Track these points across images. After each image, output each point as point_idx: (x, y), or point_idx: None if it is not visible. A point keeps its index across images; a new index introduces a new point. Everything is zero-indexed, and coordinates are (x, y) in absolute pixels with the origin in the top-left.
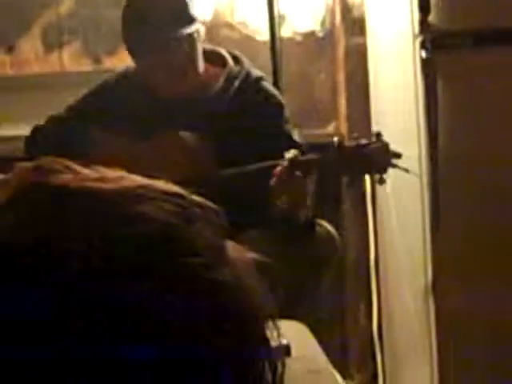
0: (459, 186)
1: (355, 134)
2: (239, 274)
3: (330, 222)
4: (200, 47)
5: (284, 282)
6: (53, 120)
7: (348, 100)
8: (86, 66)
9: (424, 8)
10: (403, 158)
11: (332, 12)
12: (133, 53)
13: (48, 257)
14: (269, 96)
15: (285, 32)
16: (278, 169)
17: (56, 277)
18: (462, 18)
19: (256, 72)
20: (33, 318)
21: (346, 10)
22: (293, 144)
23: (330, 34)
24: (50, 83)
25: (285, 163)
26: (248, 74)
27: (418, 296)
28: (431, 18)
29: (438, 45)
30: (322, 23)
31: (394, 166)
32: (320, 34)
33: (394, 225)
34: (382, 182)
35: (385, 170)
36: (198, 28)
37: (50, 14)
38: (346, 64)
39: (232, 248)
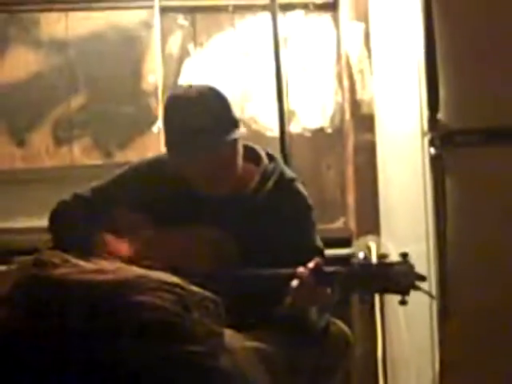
0: (467, 281)
1: (383, 253)
2: (239, 361)
3: (338, 316)
4: (241, 148)
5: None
6: (76, 198)
7: (357, 196)
8: (97, 159)
9: (433, 106)
10: (412, 252)
11: (341, 108)
12: (180, 156)
13: (49, 346)
14: (299, 198)
15: (294, 128)
16: (302, 272)
17: (57, 367)
18: (470, 116)
19: (289, 172)
20: None
21: (356, 106)
22: (315, 251)
23: (339, 131)
24: (60, 177)
25: (309, 270)
26: (282, 173)
27: None
28: (440, 115)
29: (446, 142)
30: (332, 119)
31: (418, 288)
32: (329, 130)
33: (401, 318)
34: (403, 303)
35: (407, 292)
36: (242, 132)
37: (61, 109)
38: (355, 160)
39: (231, 336)
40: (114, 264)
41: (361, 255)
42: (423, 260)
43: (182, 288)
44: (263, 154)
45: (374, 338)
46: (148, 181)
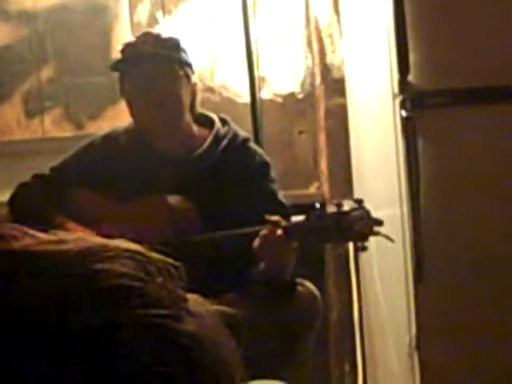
0: (442, 243)
1: (336, 200)
2: (205, 324)
3: (313, 281)
4: (187, 98)
5: (266, 345)
6: (36, 178)
7: (329, 160)
8: (68, 131)
9: (403, 68)
10: (386, 216)
11: (312, 73)
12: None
13: (12, 320)
14: (255, 156)
15: (265, 94)
16: (262, 232)
17: (20, 339)
18: (441, 78)
19: (243, 133)
20: None
21: (326, 71)
22: (278, 205)
23: (310, 96)
24: (31, 149)
25: (268, 227)
26: (235, 135)
27: (403, 353)
28: (410, 77)
29: (417, 104)
30: (302, 85)
31: (376, 233)
32: (300, 96)
33: (377, 283)
34: (363, 249)
35: (366, 238)
36: (187, 70)
37: (30, 81)
38: (327, 124)
39: (195, 300)
40: (74, 235)
41: (317, 205)
42: (397, 223)
43: (143, 255)
44: (216, 119)
45: (350, 303)
46: (104, 154)
